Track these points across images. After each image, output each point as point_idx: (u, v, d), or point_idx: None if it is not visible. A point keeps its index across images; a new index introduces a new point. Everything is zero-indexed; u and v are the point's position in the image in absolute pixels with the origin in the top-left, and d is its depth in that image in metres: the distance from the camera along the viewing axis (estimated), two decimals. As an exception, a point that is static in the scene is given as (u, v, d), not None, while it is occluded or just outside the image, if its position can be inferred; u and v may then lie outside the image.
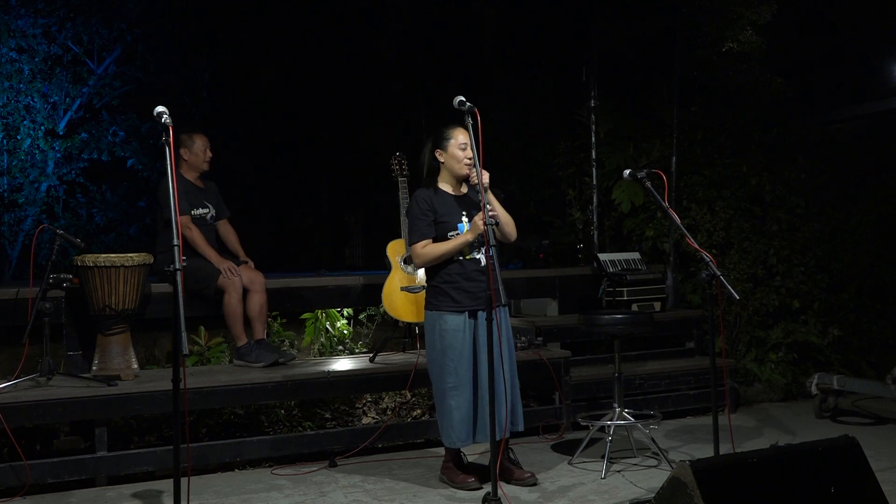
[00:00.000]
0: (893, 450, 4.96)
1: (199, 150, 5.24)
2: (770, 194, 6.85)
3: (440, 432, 4.39)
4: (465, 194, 4.43)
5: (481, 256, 4.30)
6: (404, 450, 5.18)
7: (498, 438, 4.05)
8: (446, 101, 4.03)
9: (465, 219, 4.34)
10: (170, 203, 5.11)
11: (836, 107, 8.23)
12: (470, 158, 4.29)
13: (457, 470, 4.44)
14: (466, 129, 4.03)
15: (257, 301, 5.11)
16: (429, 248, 4.28)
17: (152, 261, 4.94)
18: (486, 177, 4.18)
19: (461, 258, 4.30)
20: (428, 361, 4.41)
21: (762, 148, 6.97)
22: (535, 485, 4.40)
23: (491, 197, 4.24)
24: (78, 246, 4.83)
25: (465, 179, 4.38)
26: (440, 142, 4.36)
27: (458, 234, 4.30)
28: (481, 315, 4.23)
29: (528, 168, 8.02)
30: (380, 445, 5.10)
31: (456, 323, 4.27)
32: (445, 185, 4.41)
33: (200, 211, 5.27)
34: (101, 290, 4.69)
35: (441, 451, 4.58)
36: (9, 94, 9.13)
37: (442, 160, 4.37)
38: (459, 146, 4.32)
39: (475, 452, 4.75)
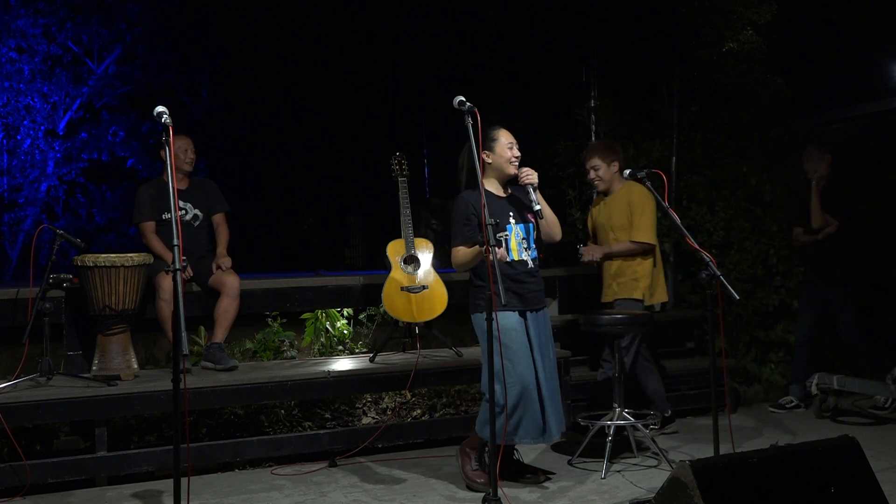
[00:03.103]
0: (893, 450, 4.95)
1: (180, 151, 5.21)
2: (770, 194, 6.85)
3: (478, 427, 4.32)
4: (510, 194, 4.39)
5: (528, 258, 4.29)
6: (404, 450, 5.18)
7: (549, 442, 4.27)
8: (446, 102, 4.02)
9: (512, 220, 4.31)
10: (142, 208, 5.15)
11: (836, 107, 8.21)
12: (517, 157, 4.29)
13: (475, 465, 4.40)
14: (466, 128, 3.94)
15: (223, 305, 5.09)
16: (459, 253, 4.24)
17: (152, 261, 4.95)
18: (535, 177, 4.20)
19: (511, 259, 4.27)
20: (483, 361, 4.27)
21: (762, 148, 6.96)
22: (545, 482, 4.41)
23: (539, 195, 4.22)
24: (78, 246, 4.83)
25: (514, 180, 4.33)
26: (486, 143, 4.28)
27: (506, 234, 4.26)
28: (530, 316, 4.29)
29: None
30: (380, 445, 5.10)
31: (511, 321, 4.23)
32: (490, 186, 4.33)
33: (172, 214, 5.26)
34: (101, 290, 4.69)
35: (440, 451, 4.59)
36: (9, 94, 9.15)
37: (489, 161, 4.29)
38: (507, 145, 4.29)
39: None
